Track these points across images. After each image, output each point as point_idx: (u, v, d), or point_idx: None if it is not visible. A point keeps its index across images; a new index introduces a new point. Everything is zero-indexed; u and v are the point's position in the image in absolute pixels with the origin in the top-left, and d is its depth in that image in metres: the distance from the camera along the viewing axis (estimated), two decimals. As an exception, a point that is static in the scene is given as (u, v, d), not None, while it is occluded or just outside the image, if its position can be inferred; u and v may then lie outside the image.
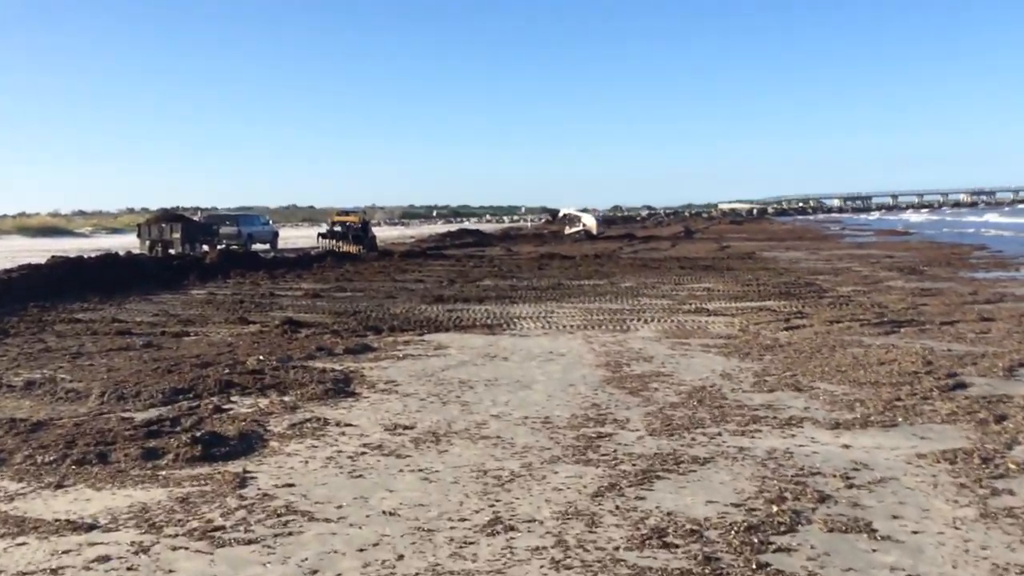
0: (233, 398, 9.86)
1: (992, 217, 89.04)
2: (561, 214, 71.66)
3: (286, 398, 9.78)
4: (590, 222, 62.39)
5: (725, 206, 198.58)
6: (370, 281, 26.70)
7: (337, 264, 33.19)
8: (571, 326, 15.76)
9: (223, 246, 42.17)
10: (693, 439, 7.81)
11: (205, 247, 41.16)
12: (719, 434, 7.97)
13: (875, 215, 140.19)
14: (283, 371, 11.25)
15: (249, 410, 9.25)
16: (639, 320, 16.45)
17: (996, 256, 33.93)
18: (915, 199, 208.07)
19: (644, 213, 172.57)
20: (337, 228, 43.30)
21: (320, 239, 42.79)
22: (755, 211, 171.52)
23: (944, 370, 10.69)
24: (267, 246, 48.71)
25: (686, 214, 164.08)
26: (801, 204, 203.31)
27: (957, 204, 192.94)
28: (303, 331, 15.14)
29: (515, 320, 16.66)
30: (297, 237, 65.30)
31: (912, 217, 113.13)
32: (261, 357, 12.27)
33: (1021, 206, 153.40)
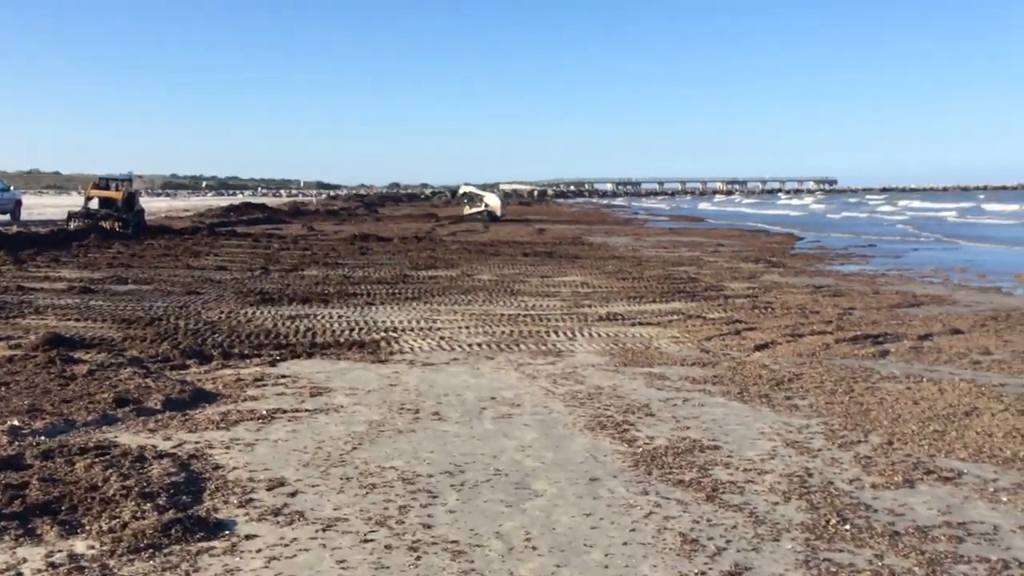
0: (-36, 548, 4.82)
1: (704, 205, 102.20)
2: (460, 192, 63.16)
3: (81, 548, 4.87)
4: (494, 202, 53.71)
5: (506, 186, 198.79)
6: (156, 268, 20.84)
7: (105, 243, 26.57)
8: (477, 345, 11.51)
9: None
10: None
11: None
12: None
13: (619, 200, 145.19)
14: (62, 463, 6.20)
15: (2, 594, 4.32)
16: (556, 333, 12.50)
17: (824, 248, 33.12)
18: (678, 185, 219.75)
19: (428, 192, 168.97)
20: (93, 206, 32.21)
21: (72, 221, 30.88)
22: (536, 193, 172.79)
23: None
24: (7, 217, 39.83)
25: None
26: (574, 187, 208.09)
27: (715, 192, 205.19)
28: (81, 358, 9.83)
29: (393, 335, 12.13)
30: (44, 207, 55.31)
31: (647, 202, 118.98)
32: (16, 423, 7.07)
33: (733, 198, 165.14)
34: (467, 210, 54.25)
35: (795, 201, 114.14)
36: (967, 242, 34.70)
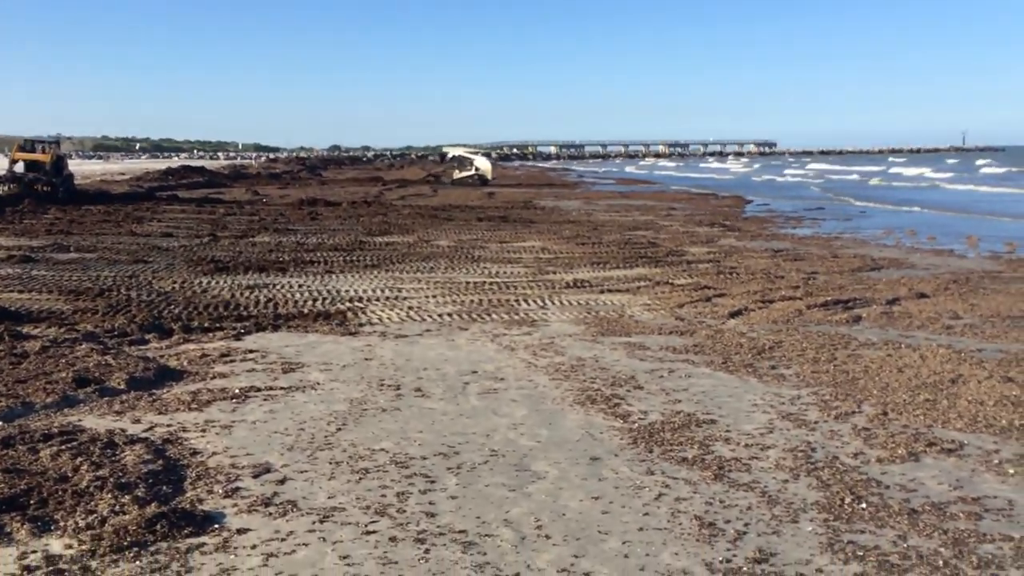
0: (-76, 553, 4.37)
1: (630, 168, 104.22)
2: (449, 156, 60.80)
3: (58, 547, 4.47)
4: (484, 165, 51.65)
5: (449, 150, 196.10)
6: (98, 235, 19.96)
7: (40, 209, 25.43)
8: (447, 315, 11.18)
9: None
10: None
11: None
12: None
13: (550, 163, 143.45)
14: (25, 451, 5.74)
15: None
16: (526, 301, 12.23)
17: (774, 211, 33.21)
18: (621, 148, 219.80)
19: (370, 155, 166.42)
20: (19, 169, 30.49)
21: None
22: (459, 155, 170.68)
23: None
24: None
25: (413, 156, 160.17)
26: (518, 150, 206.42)
27: (658, 155, 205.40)
28: (31, 333, 9.24)
29: (359, 305, 11.73)
30: (-31, 169, 52.87)
31: (578, 167, 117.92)
32: (-32, 407, 6.54)
33: (656, 161, 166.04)
34: (457, 174, 52.59)
35: (716, 164, 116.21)
36: (888, 205, 35.10)
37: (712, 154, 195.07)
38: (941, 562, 4.49)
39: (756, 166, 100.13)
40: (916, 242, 20.90)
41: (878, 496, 5.37)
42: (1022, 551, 4.64)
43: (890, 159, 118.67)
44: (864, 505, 5.22)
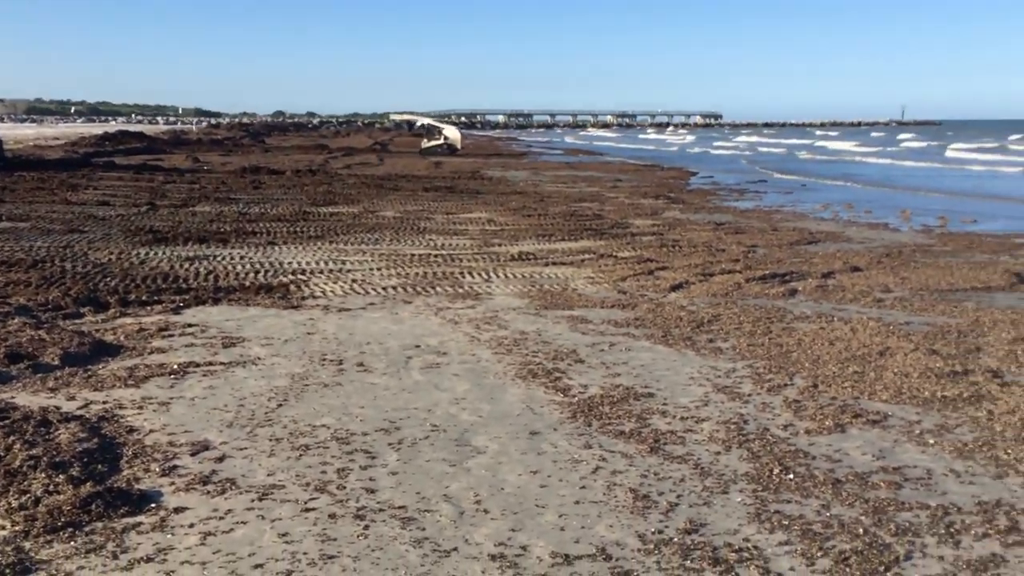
0: None
1: (569, 139, 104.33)
2: (419, 124, 59.91)
3: (-9, 528, 4.42)
4: (454, 135, 50.85)
5: (397, 117, 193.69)
6: (31, 203, 19.41)
7: (-30, 176, 24.58)
8: (391, 288, 11.16)
9: None
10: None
11: None
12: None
13: (495, 132, 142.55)
14: (-44, 429, 5.63)
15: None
16: (471, 274, 12.27)
17: (717, 184, 33.63)
18: (569, 118, 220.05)
19: (316, 122, 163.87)
20: None
21: None
22: (427, 123, 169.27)
23: (982, 364, 7.89)
24: None
25: (360, 124, 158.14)
26: (466, 119, 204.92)
27: (605, 125, 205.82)
28: (-40, 307, 9.01)
29: (302, 277, 11.64)
30: None
31: (525, 137, 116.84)
32: None
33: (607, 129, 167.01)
34: (426, 143, 51.88)
35: (655, 135, 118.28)
36: (827, 180, 35.88)
37: (654, 125, 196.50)
38: (861, 530, 4.68)
39: (691, 138, 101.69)
40: (852, 215, 21.37)
41: (805, 467, 5.56)
42: (938, 518, 4.86)
43: (818, 132, 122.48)
44: (791, 476, 5.41)
